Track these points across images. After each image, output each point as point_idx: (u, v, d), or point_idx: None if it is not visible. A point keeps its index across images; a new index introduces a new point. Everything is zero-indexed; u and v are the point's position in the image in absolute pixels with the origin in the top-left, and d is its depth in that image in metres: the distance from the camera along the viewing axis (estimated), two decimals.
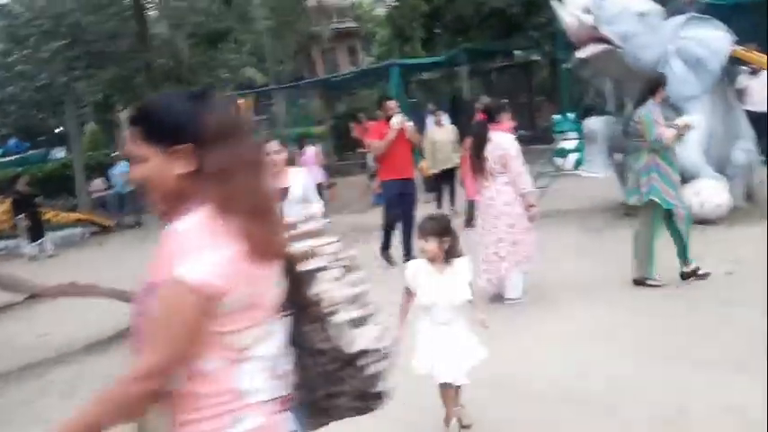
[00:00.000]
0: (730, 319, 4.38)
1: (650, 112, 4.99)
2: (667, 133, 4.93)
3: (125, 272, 5.88)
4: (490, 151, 5.08)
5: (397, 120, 6.75)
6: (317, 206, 4.12)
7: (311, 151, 12.86)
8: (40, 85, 17.29)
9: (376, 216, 10.68)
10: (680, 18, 7.25)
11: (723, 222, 6.89)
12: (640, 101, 5.21)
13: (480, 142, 5.14)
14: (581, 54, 6.89)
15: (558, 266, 5.96)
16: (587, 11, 6.63)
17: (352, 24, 37.21)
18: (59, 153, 22.60)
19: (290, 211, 2.58)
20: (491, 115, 5.28)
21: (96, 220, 15.34)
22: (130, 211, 15.86)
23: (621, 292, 5.21)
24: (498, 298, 5.29)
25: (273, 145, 4.08)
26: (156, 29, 17.64)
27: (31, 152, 22.39)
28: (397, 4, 22.25)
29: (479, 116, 5.53)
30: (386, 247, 7.21)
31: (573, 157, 11.97)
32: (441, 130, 10.53)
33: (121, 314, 3.91)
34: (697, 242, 5.49)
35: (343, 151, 21.85)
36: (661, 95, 5.19)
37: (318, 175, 11.75)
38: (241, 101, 21.71)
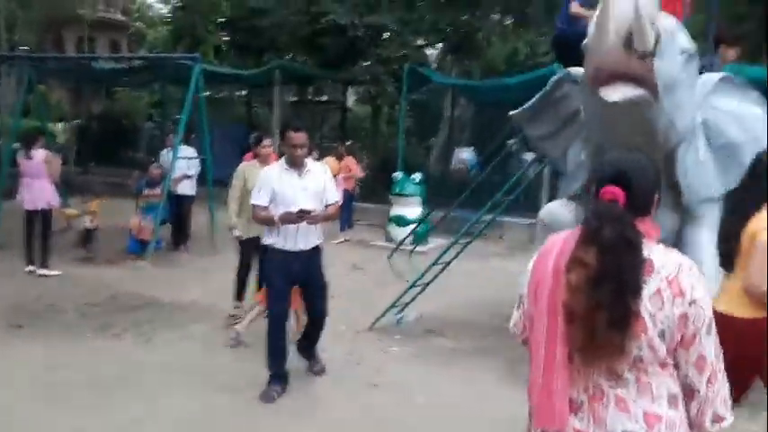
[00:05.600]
0: None
1: None
2: None
3: None
4: None
5: None
6: None
7: (40, 156, 7.80)
8: None
9: None
10: (711, 77, 4.83)
11: None
12: None
13: None
14: (613, 96, 3.93)
15: None
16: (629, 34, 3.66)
17: (119, 17, 31.33)
18: None
19: None
20: None
21: None
22: None
23: None
24: None
25: None
26: None
27: None
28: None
29: None
30: None
31: (408, 230, 9.11)
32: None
33: None
34: None
35: (89, 162, 16.66)
36: None
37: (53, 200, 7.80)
38: None
